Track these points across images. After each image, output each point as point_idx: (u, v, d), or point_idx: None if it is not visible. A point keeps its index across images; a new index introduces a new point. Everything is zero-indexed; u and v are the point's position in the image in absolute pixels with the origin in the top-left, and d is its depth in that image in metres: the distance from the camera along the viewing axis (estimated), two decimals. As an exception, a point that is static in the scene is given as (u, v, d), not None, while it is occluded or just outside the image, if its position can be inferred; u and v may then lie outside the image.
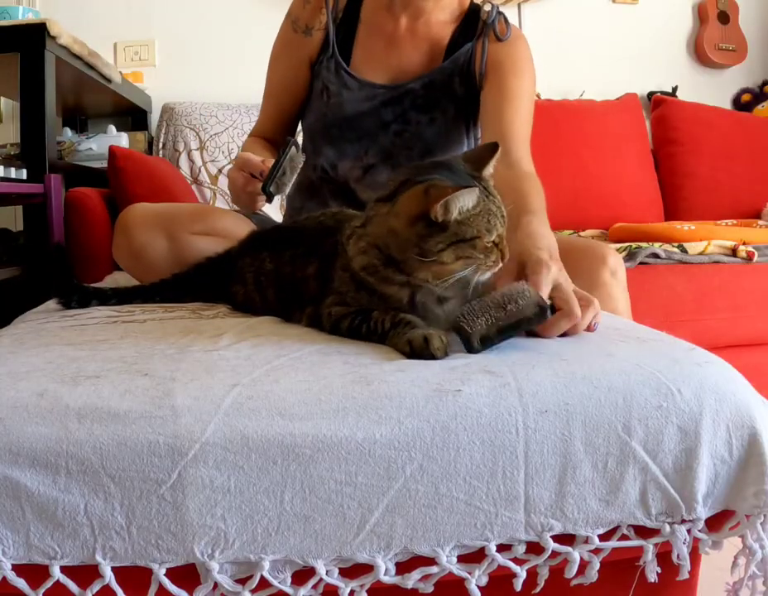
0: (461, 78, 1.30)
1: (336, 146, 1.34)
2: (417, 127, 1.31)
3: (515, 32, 1.31)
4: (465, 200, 0.72)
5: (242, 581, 0.60)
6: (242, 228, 1.30)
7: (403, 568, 0.62)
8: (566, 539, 0.64)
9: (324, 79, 1.34)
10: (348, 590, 0.61)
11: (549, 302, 0.75)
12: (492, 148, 0.82)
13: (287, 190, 1.12)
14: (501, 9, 1.34)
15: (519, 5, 2.80)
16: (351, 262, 0.80)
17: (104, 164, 2.04)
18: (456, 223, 0.73)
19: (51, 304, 1.11)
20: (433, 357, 0.70)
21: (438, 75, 1.30)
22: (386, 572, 0.61)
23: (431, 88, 1.30)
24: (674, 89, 2.92)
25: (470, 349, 0.72)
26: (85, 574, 0.59)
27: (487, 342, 0.71)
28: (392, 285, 0.77)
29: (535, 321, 0.73)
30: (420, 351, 0.70)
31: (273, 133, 1.40)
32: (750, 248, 1.89)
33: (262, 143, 1.37)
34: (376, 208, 0.79)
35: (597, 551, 0.64)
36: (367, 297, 0.79)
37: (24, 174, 1.72)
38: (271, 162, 1.08)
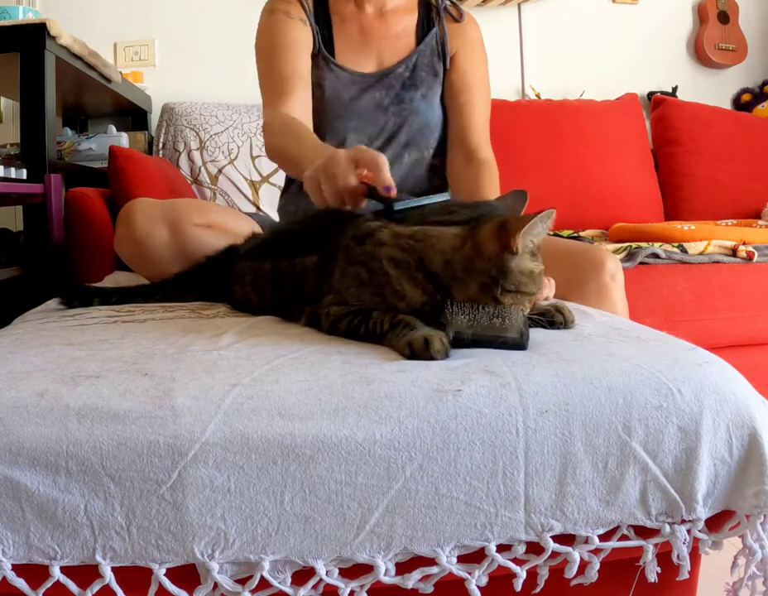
0: (437, 57, 1.43)
1: (338, 136, 1.39)
2: (411, 103, 1.41)
3: (468, 15, 1.46)
4: (541, 226, 0.74)
5: (242, 581, 0.60)
6: (243, 222, 1.31)
7: (403, 568, 0.62)
8: (566, 539, 0.64)
9: (314, 76, 1.39)
10: (348, 590, 0.61)
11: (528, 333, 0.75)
12: (524, 198, 0.84)
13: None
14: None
15: (519, 5, 2.80)
16: (378, 249, 0.78)
17: (104, 164, 2.04)
18: (519, 273, 0.74)
19: (52, 303, 1.11)
20: (432, 359, 0.69)
21: (418, 57, 1.42)
22: (386, 572, 0.61)
23: (415, 69, 1.42)
24: (674, 89, 2.92)
25: (457, 343, 0.73)
26: (85, 574, 0.59)
27: (458, 342, 0.72)
28: (416, 286, 0.76)
29: (511, 346, 0.73)
30: (421, 353, 0.70)
31: (308, 121, 1.34)
32: (750, 248, 1.89)
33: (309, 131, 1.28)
34: (434, 231, 0.77)
35: (597, 551, 0.64)
36: (370, 295, 0.78)
37: (24, 174, 1.72)
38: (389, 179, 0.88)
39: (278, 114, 1.27)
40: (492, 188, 1.31)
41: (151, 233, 1.23)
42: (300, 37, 1.38)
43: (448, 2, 1.45)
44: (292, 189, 1.51)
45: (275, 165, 1.60)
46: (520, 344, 0.73)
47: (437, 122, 1.43)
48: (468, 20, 1.46)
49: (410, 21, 1.45)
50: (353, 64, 1.41)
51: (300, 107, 1.31)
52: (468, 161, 1.38)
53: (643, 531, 0.65)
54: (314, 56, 1.40)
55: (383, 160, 0.87)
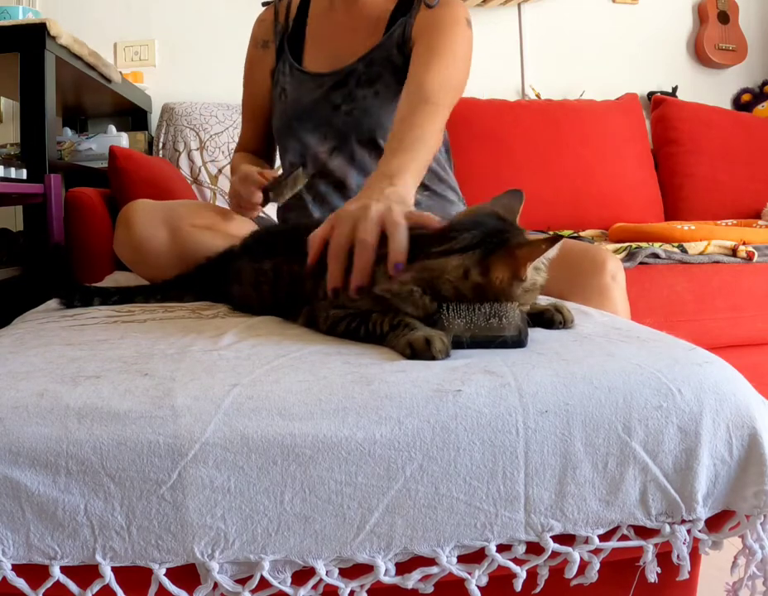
0: (398, 49, 1.33)
1: (298, 139, 1.39)
2: (363, 101, 1.34)
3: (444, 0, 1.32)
4: (550, 254, 0.74)
5: (242, 581, 0.60)
6: (242, 223, 1.31)
7: (403, 568, 0.62)
8: (566, 539, 0.64)
9: (280, 83, 1.42)
10: (348, 590, 0.61)
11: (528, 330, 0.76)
12: (520, 198, 0.84)
13: (283, 200, 1.27)
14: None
15: (519, 5, 2.80)
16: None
17: (104, 164, 2.04)
18: (524, 291, 0.75)
19: (52, 304, 1.11)
20: (434, 358, 0.69)
21: (376, 51, 1.35)
22: (386, 572, 0.61)
23: (372, 65, 1.35)
24: (674, 89, 2.92)
25: (456, 345, 0.73)
26: (85, 574, 0.59)
27: (457, 344, 0.72)
28: (417, 307, 0.76)
29: (510, 345, 0.73)
30: (422, 352, 0.70)
31: (257, 147, 1.52)
32: (750, 248, 1.89)
33: (250, 157, 1.48)
34: (439, 263, 0.76)
35: (597, 551, 0.64)
36: (371, 302, 0.78)
37: (24, 174, 1.72)
38: (269, 173, 1.25)
39: (234, 157, 1.50)
40: (429, 126, 1.10)
41: (150, 235, 1.23)
42: (262, 72, 1.46)
43: None
44: None
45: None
46: (519, 342, 0.73)
47: (389, 118, 1.25)
48: (443, 3, 1.29)
49: (385, 13, 1.36)
50: (317, 66, 1.40)
51: (248, 145, 1.52)
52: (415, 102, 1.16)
53: (643, 531, 0.65)
54: (283, 63, 1.43)
55: (248, 169, 1.31)
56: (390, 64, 1.33)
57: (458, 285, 0.75)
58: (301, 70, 1.40)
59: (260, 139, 1.51)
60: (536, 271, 0.76)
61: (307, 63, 1.41)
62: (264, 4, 1.50)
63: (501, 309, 0.73)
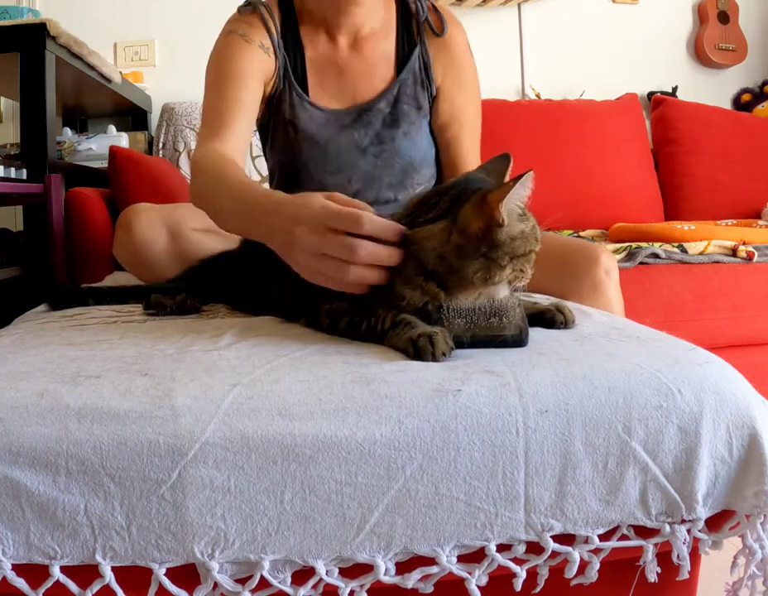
0: (422, 85, 1.28)
1: (314, 178, 1.28)
2: (392, 143, 1.29)
3: (450, 22, 1.28)
4: (522, 191, 0.71)
5: (242, 581, 0.60)
6: None
7: (403, 568, 0.62)
8: (566, 539, 0.64)
9: (285, 113, 1.27)
10: (348, 590, 0.61)
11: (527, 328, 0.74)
12: (507, 160, 0.81)
13: None
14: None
15: (519, 5, 2.80)
16: None
17: (104, 164, 2.05)
18: (510, 239, 0.72)
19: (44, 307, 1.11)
20: (435, 359, 0.69)
21: (400, 87, 1.28)
22: (386, 572, 0.61)
23: (397, 102, 1.28)
24: (674, 89, 2.92)
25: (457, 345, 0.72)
26: (85, 574, 0.59)
27: (458, 344, 0.71)
28: (414, 289, 0.75)
29: (510, 344, 0.72)
30: (424, 352, 0.70)
31: (243, 154, 1.22)
32: (750, 248, 1.89)
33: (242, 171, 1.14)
34: (423, 231, 0.75)
35: (597, 551, 0.64)
36: (372, 292, 0.77)
37: (24, 174, 1.72)
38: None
39: (211, 151, 1.09)
40: None
41: (150, 239, 1.23)
42: (254, 65, 1.21)
43: (429, 4, 1.28)
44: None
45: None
46: (519, 341, 0.73)
47: (421, 159, 1.31)
48: (450, 30, 1.27)
49: (389, 44, 1.29)
50: (329, 102, 1.28)
51: (234, 143, 1.14)
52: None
53: (643, 531, 0.65)
54: (284, 91, 1.26)
55: (379, 221, 0.74)
56: (415, 102, 1.29)
57: (442, 253, 0.72)
58: (315, 106, 1.27)
59: (246, 143, 1.23)
60: (519, 218, 0.73)
61: (314, 98, 1.27)
62: (245, 6, 1.27)
63: (501, 308, 0.73)
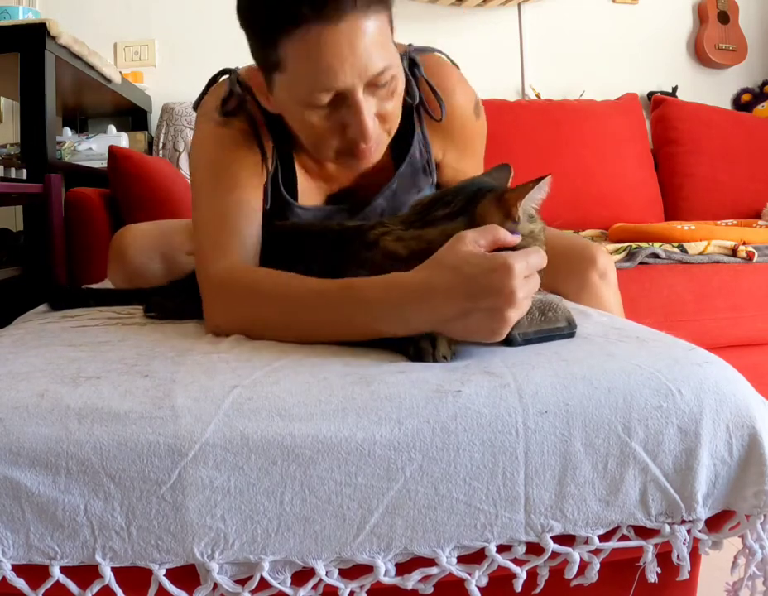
0: (424, 173, 1.13)
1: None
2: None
3: (450, 93, 1.07)
4: (538, 194, 0.74)
5: (242, 582, 0.60)
6: None
7: (403, 569, 0.62)
8: (566, 539, 0.64)
9: (268, 206, 1.07)
10: (348, 591, 0.61)
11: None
12: (508, 170, 0.83)
13: None
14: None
15: (519, 5, 2.80)
16: (384, 248, 0.78)
17: (104, 164, 2.04)
18: (523, 239, 0.73)
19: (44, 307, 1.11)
20: (435, 360, 0.69)
21: (400, 181, 1.12)
22: (385, 573, 0.61)
23: (396, 194, 1.13)
24: (674, 89, 2.92)
25: (509, 342, 0.73)
26: (85, 574, 0.59)
27: (528, 340, 0.74)
28: None
29: (566, 334, 0.76)
30: (424, 354, 0.70)
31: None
32: (750, 248, 1.89)
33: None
34: (439, 230, 0.75)
35: (597, 552, 0.64)
36: None
37: (24, 174, 1.72)
38: None
39: (236, 268, 0.91)
40: None
41: (143, 265, 1.22)
42: (258, 179, 1.02)
43: (423, 81, 1.05)
44: None
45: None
46: (572, 331, 0.76)
47: None
48: (450, 102, 1.07)
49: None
50: (319, 202, 1.13)
51: (249, 255, 0.94)
52: None
53: (643, 532, 0.65)
54: (275, 199, 1.07)
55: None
56: (415, 187, 1.13)
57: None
58: (303, 207, 1.10)
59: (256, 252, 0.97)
60: (530, 219, 0.75)
61: (303, 201, 1.10)
62: (221, 75, 1.12)
63: (549, 301, 0.75)
